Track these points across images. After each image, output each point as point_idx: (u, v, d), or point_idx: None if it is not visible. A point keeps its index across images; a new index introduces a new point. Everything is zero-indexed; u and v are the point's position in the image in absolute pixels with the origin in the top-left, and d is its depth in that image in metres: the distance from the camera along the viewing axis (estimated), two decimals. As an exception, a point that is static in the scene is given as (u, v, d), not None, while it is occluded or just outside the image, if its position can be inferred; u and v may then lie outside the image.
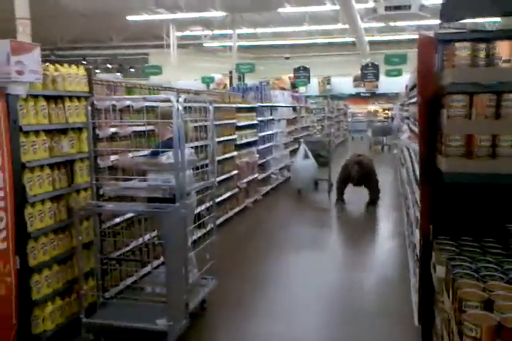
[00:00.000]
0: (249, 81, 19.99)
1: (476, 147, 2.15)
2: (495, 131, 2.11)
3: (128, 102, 4.11)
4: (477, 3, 2.33)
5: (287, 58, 25.88)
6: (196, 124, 4.59)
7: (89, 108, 3.62)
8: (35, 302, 3.29)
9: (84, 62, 24.48)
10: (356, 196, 8.58)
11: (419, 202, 2.49)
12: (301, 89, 24.17)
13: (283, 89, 17.90)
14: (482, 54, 2.19)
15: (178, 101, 3.44)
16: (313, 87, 26.19)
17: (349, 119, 25.73)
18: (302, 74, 21.90)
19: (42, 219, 3.39)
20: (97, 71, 24.58)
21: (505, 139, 2.12)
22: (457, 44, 2.20)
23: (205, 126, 4.51)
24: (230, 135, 7.11)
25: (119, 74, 21.32)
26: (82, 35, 22.45)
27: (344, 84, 27.91)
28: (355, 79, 26.84)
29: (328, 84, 28.57)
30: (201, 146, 4.37)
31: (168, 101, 3.49)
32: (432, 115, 2.30)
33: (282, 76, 25.48)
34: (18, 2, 9.77)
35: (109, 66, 26.08)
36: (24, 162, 3.21)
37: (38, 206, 3.36)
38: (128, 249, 4.27)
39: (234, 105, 7.30)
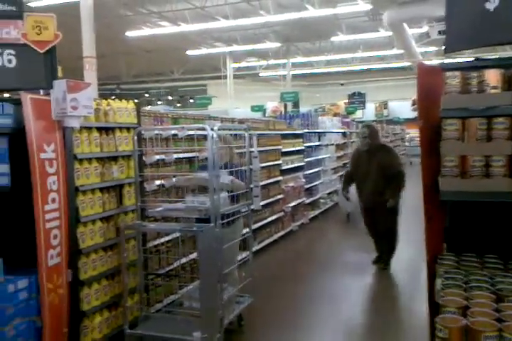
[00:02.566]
0: (305, 108, 20.38)
1: (470, 167, 2.30)
2: (486, 152, 2.26)
3: (171, 131, 4.49)
4: (477, 34, 2.51)
5: (342, 85, 26.10)
6: (241, 151, 4.90)
7: (136, 137, 4.02)
8: (85, 313, 3.63)
9: (146, 95, 25.96)
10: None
11: (424, 221, 2.62)
12: (358, 115, 24.26)
13: (337, 114, 18.06)
14: (473, 81, 2.36)
15: (212, 129, 3.77)
16: (369, 112, 26.19)
17: (407, 144, 25.35)
18: (357, 99, 22.03)
19: (93, 237, 3.77)
20: (159, 102, 25.88)
21: (497, 160, 2.25)
22: (448, 73, 2.38)
23: (251, 152, 4.81)
24: (275, 160, 7.40)
25: (178, 104, 22.32)
26: (145, 69, 23.86)
27: (402, 108, 27.66)
28: (414, 103, 26.55)
29: (385, 108, 28.42)
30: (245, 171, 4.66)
31: (204, 129, 3.83)
32: (433, 138, 2.46)
33: (338, 102, 25.70)
34: (85, 42, 10.75)
35: (170, 98, 27.37)
36: (78, 186, 3.62)
37: (89, 225, 3.75)
38: (171, 267, 4.58)
39: (278, 132, 7.61)
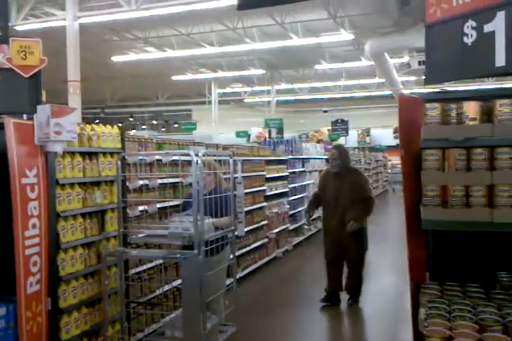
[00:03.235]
0: (289, 134, 20.55)
1: (450, 197, 2.34)
2: (466, 182, 2.31)
3: (156, 157, 4.50)
4: (456, 67, 2.59)
5: (325, 111, 26.51)
6: (226, 176, 4.91)
7: (119, 163, 4.01)
8: (64, 343, 3.54)
9: (131, 119, 25.99)
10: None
11: (407, 250, 2.65)
12: (341, 141, 24.53)
13: (320, 141, 18.26)
14: (452, 113, 2.43)
15: (197, 155, 3.78)
16: (352, 139, 26.53)
17: (389, 171, 25.66)
18: (340, 126, 22.34)
19: (73, 264, 3.69)
20: (144, 127, 25.92)
21: (476, 190, 2.30)
22: (427, 104, 2.46)
23: (235, 178, 4.82)
24: (260, 186, 7.41)
25: (163, 129, 22.36)
26: (130, 93, 23.98)
27: (384, 135, 28.12)
28: (396, 131, 27.01)
29: (368, 136, 28.84)
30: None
31: (188, 155, 3.84)
32: (414, 167, 2.51)
33: (321, 128, 26.02)
34: (70, 66, 10.79)
35: (154, 122, 27.44)
36: (59, 211, 3.57)
37: (70, 252, 3.67)
38: (154, 295, 4.50)
39: (262, 158, 7.66)
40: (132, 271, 4.21)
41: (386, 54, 15.95)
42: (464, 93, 2.55)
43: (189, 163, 4.68)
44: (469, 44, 2.47)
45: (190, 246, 3.68)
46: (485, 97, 2.52)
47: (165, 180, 4.75)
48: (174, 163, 5.02)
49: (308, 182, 10.23)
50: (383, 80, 19.83)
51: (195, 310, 3.62)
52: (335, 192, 5.61)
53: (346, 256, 5.65)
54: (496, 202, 2.32)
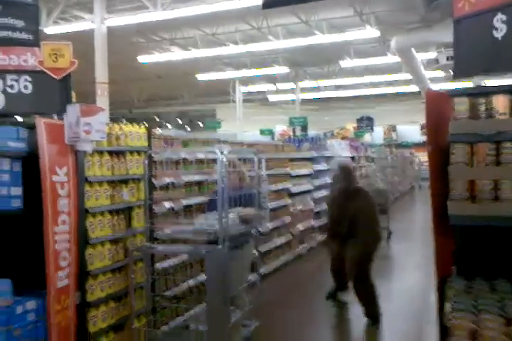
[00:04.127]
0: (313, 131, 20.49)
1: (478, 192, 2.31)
2: (495, 176, 2.28)
3: (182, 155, 4.55)
4: (485, 61, 2.55)
5: (350, 108, 26.30)
6: (250, 174, 4.94)
7: (146, 161, 4.08)
8: (92, 335, 3.62)
9: (157, 119, 26.30)
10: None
11: (434, 245, 2.62)
12: (366, 138, 24.31)
13: (345, 138, 18.14)
14: (481, 107, 2.39)
15: (222, 153, 3.81)
16: (378, 136, 26.25)
17: (416, 167, 25.29)
18: (365, 123, 22.13)
19: (101, 259, 3.78)
20: (169, 126, 26.18)
21: (505, 183, 2.27)
22: (456, 99, 2.42)
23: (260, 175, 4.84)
24: (284, 184, 7.41)
25: (188, 128, 22.52)
26: (156, 93, 24.24)
27: (411, 132, 27.71)
28: (423, 128, 26.60)
29: (394, 132, 28.47)
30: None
31: (213, 153, 3.87)
32: (442, 163, 2.48)
33: (346, 126, 25.82)
34: (98, 68, 11.00)
35: (180, 121, 27.69)
36: (87, 208, 3.67)
37: (98, 247, 3.77)
38: (179, 289, 4.56)
39: (286, 155, 7.66)
40: (158, 266, 4.28)
41: (413, 49, 15.71)
42: (493, 87, 2.51)
43: (214, 160, 4.72)
44: (499, 38, 2.43)
45: (215, 241, 3.72)
46: (512, 91, 2.47)
47: (190, 178, 4.80)
48: (200, 161, 5.07)
49: (333, 179, 10.16)
50: (410, 76, 19.55)
51: (219, 304, 3.66)
52: (340, 213, 5.25)
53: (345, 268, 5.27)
54: (526, 196, 2.27)
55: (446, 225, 2.47)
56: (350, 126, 25.22)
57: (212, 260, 3.57)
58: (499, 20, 2.39)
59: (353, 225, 5.07)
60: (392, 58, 17.88)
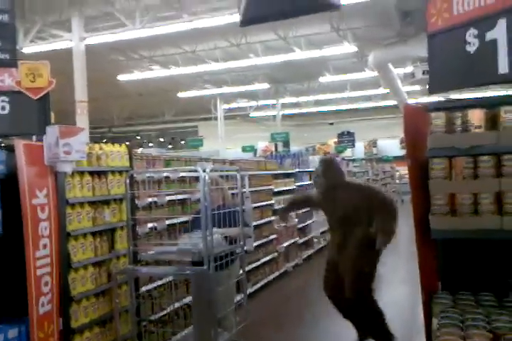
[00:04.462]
0: (295, 147, 20.61)
1: (459, 205, 2.34)
2: (473, 190, 2.31)
3: (163, 174, 4.52)
4: (459, 75, 2.61)
5: (331, 124, 26.57)
6: (234, 191, 4.93)
7: (128, 181, 4.04)
8: (76, 364, 3.53)
9: (138, 137, 26.18)
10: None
11: (418, 260, 2.63)
12: (348, 153, 24.53)
13: (327, 154, 18.27)
14: (457, 121, 2.44)
15: (204, 171, 3.80)
16: (359, 151, 26.50)
17: (397, 181, 25.53)
18: (346, 138, 22.37)
19: (84, 283, 3.69)
20: (151, 145, 26.08)
21: (484, 197, 2.30)
22: (433, 114, 2.47)
23: (242, 193, 4.82)
24: (267, 200, 7.41)
25: (170, 146, 22.48)
26: (136, 112, 24.18)
27: (391, 146, 28.03)
28: (402, 141, 26.92)
29: (375, 147, 28.79)
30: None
31: (196, 171, 3.86)
32: (422, 177, 2.51)
33: (327, 141, 26.04)
34: (77, 87, 10.94)
35: (161, 139, 27.61)
36: (69, 231, 3.59)
37: (80, 271, 3.68)
38: (165, 312, 4.47)
39: (269, 172, 7.67)
40: (143, 289, 4.20)
41: (390, 64, 16.01)
42: (469, 101, 2.57)
43: (197, 179, 4.70)
44: (472, 52, 2.48)
45: (200, 262, 3.68)
46: (489, 105, 2.53)
47: (173, 197, 4.77)
48: (182, 180, 5.04)
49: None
50: (388, 91, 19.88)
51: (206, 326, 3.60)
52: (330, 216, 4.57)
53: (346, 290, 4.29)
54: (505, 209, 2.31)
55: (429, 239, 2.49)
56: (332, 142, 25.45)
57: (198, 281, 3.52)
58: (471, 35, 2.44)
59: (350, 223, 4.24)
60: (370, 73, 18.20)
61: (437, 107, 2.57)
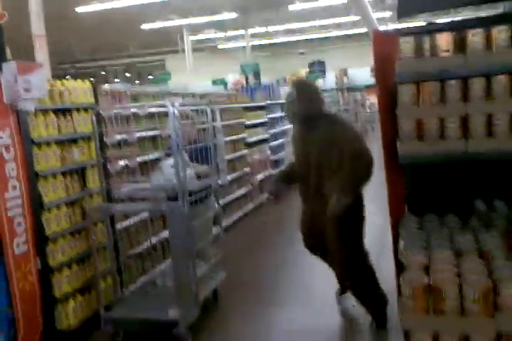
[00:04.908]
0: (267, 78, 20.23)
1: (426, 130, 2.36)
2: (440, 114, 2.32)
3: (131, 110, 4.41)
4: (427, 0, 2.53)
5: (302, 53, 26.00)
6: (204, 126, 4.86)
7: (94, 118, 3.93)
8: (58, 300, 3.61)
9: (103, 73, 25.22)
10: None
11: (386, 185, 2.71)
12: (319, 83, 24.25)
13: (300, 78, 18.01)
14: (426, 46, 2.40)
15: (173, 105, 3.71)
16: (330, 81, 26.20)
17: (368, 110, 25.64)
18: (317, 68, 22.00)
19: (58, 222, 3.70)
20: (117, 80, 25.22)
21: (451, 121, 2.32)
22: (401, 39, 2.41)
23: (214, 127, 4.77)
24: (239, 134, 7.38)
25: (137, 81, 21.77)
26: (99, 46, 23.09)
27: (361, 75, 27.77)
28: (373, 70, 26.67)
29: (346, 76, 28.48)
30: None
31: (164, 106, 3.77)
32: (390, 104, 2.51)
33: (299, 71, 25.57)
34: (34, 20, 10.26)
35: (127, 74, 26.70)
36: (38, 171, 3.54)
37: (53, 211, 3.67)
38: (142, 247, 4.56)
39: (240, 105, 7.57)
40: (118, 226, 4.24)
41: (360, -11, 15.43)
42: (437, 25, 2.51)
43: (166, 114, 4.61)
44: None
45: (175, 197, 3.70)
46: (458, 28, 2.48)
47: (143, 134, 4.69)
48: (151, 116, 4.93)
49: (289, 126, 10.19)
50: (359, 18, 19.34)
51: (184, 258, 3.70)
52: (303, 155, 3.66)
53: (331, 252, 3.68)
54: (471, 133, 2.34)
55: (396, 165, 2.53)
56: (303, 72, 25.01)
57: (174, 216, 3.56)
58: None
59: (324, 169, 3.43)
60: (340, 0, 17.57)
61: (406, 32, 2.51)
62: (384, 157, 2.66)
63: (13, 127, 3.31)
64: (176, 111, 3.70)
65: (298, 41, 25.11)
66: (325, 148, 3.42)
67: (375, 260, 4.13)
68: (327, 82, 24.88)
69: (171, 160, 3.80)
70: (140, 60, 25.67)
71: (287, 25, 21.92)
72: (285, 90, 10.46)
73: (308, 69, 23.23)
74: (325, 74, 22.36)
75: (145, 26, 18.99)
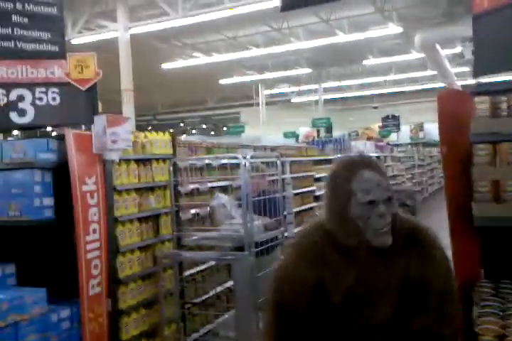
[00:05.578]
0: (338, 132, 20.36)
1: (503, 192, 2.28)
2: (519, 176, 2.25)
3: (205, 161, 4.61)
4: (505, 60, 2.52)
5: (375, 108, 26.01)
6: (274, 178, 4.95)
7: (171, 168, 4.14)
8: (125, 342, 3.69)
9: (181, 124, 26.54)
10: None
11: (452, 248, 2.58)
12: (393, 138, 23.96)
13: (370, 138, 17.96)
14: (503, 106, 2.36)
15: (244, 158, 3.85)
16: (404, 135, 25.82)
17: (444, 165, 24.73)
18: (391, 122, 21.83)
19: (131, 266, 3.85)
20: (194, 131, 26.39)
21: (529, 183, 2.24)
22: (476, 98, 2.40)
23: (283, 180, 4.86)
24: (309, 187, 7.41)
25: (212, 133, 22.64)
26: (180, 99, 24.48)
27: (438, 130, 27.15)
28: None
29: (421, 130, 27.96)
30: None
31: (236, 158, 3.91)
32: (461, 164, 2.46)
33: (371, 125, 25.50)
34: (123, 76, 11.19)
35: (204, 126, 27.87)
36: (117, 217, 3.75)
37: (128, 255, 3.84)
38: (208, 296, 4.60)
39: (310, 158, 7.65)
40: (186, 273, 4.33)
41: (437, 45, 15.45)
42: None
43: (238, 165, 4.76)
44: (520, 34, 2.39)
45: (241, 247, 3.75)
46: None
47: (215, 184, 4.86)
48: (223, 167, 5.12)
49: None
50: (435, 72, 19.22)
51: (248, 310, 3.68)
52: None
53: None
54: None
55: (468, 227, 2.44)
56: (375, 126, 24.90)
57: (239, 266, 3.60)
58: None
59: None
60: (415, 55, 17.64)
61: (479, 91, 2.49)
62: (452, 220, 2.57)
63: (98, 175, 3.56)
64: (247, 163, 3.82)
65: (371, 95, 25.25)
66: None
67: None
68: (401, 136, 24.52)
69: (221, 199, 3.89)
70: (216, 112, 26.84)
71: (361, 80, 22.19)
72: (356, 144, 10.46)
73: (381, 124, 23.10)
74: (399, 128, 22.10)
75: (223, 81, 20.01)
